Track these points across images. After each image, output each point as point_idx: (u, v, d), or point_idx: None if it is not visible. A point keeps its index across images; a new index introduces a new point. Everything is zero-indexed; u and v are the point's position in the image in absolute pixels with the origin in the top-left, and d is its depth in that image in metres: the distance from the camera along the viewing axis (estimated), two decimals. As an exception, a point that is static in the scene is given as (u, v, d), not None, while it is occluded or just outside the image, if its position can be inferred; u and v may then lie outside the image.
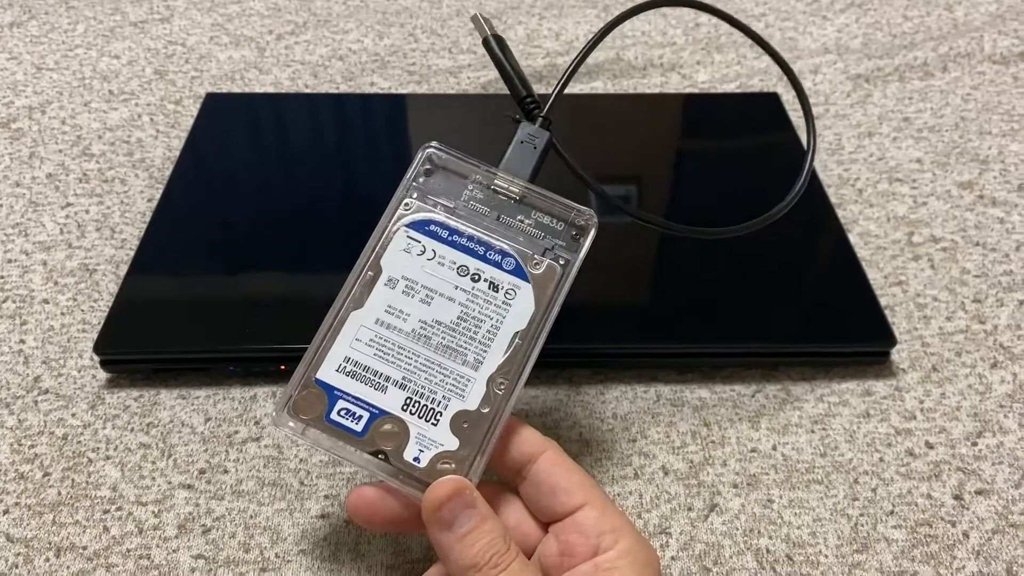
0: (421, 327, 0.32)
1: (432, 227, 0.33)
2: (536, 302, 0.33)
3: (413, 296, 0.33)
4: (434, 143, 0.35)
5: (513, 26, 0.71)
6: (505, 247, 0.33)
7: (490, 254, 0.33)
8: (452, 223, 0.34)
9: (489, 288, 0.33)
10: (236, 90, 0.64)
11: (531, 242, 0.33)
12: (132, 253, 0.48)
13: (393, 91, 0.64)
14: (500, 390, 0.32)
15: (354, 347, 0.32)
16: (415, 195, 0.34)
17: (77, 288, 0.47)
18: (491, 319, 0.32)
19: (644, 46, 0.69)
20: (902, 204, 0.54)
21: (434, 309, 0.32)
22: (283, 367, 0.43)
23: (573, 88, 0.64)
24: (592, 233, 0.34)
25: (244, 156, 0.54)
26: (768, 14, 0.73)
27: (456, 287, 0.33)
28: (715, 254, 0.47)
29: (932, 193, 0.55)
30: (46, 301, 0.46)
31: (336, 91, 0.64)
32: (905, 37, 0.70)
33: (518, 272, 0.33)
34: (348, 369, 0.32)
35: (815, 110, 0.62)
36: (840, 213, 0.52)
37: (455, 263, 0.33)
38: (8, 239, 0.50)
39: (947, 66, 0.66)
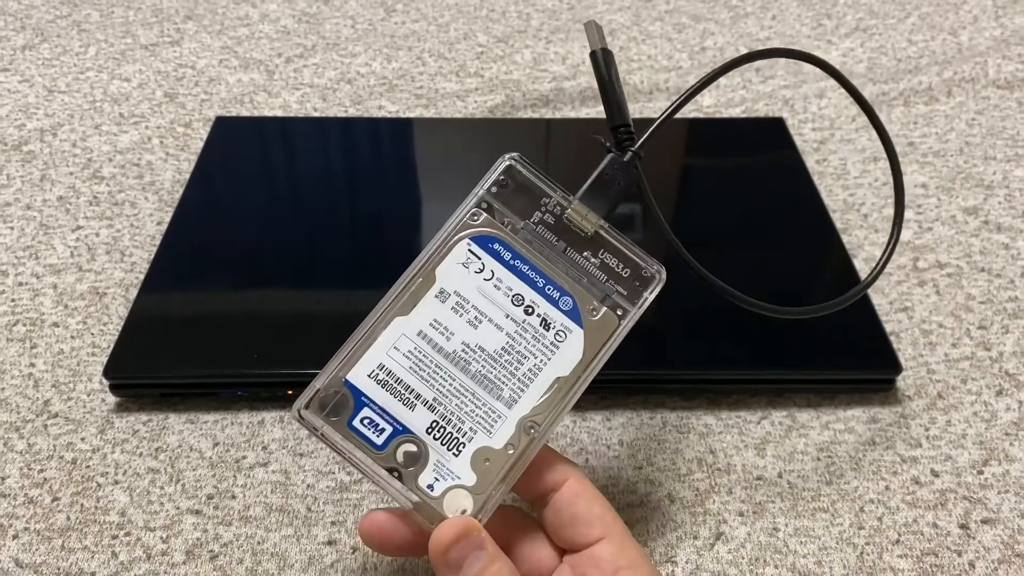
0: (463, 350, 0.31)
1: (496, 246, 0.32)
2: (585, 351, 0.31)
3: (462, 315, 0.31)
4: (515, 154, 0.32)
5: (520, 50, 0.72)
6: (565, 285, 0.32)
7: (549, 289, 0.32)
8: (517, 246, 0.32)
9: (540, 324, 0.31)
10: (245, 113, 0.64)
11: (592, 284, 0.32)
12: (141, 276, 0.48)
13: (401, 114, 0.64)
14: (529, 434, 0.31)
15: (391, 355, 0.31)
16: (484, 206, 0.32)
17: (87, 311, 0.47)
18: (535, 358, 0.31)
19: (650, 70, 0.69)
20: (907, 229, 0.54)
21: (480, 334, 0.31)
22: (290, 392, 0.43)
23: (578, 113, 0.65)
24: (657, 288, 0.32)
25: (253, 180, 0.55)
26: (773, 38, 0.74)
27: (507, 316, 0.31)
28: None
29: (937, 218, 0.55)
30: (56, 324, 0.47)
31: (345, 114, 0.64)
32: (910, 62, 0.70)
33: (573, 315, 0.32)
34: (380, 377, 0.31)
35: (820, 135, 0.62)
36: (845, 239, 0.52)
37: (511, 290, 0.31)
38: (19, 262, 0.51)
39: (952, 91, 0.67)
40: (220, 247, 0.49)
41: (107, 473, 0.40)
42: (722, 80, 0.68)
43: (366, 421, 0.30)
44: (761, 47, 0.71)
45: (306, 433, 0.31)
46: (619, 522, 0.31)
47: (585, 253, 0.32)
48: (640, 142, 0.34)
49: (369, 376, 0.31)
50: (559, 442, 0.42)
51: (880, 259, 0.38)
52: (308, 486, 0.39)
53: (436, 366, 0.31)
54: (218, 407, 0.43)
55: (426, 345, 0.31)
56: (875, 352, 0.44)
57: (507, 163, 0.32)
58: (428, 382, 0.31)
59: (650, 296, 0.32)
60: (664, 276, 0.32)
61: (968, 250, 0.52)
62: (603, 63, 0.36)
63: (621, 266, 0.32)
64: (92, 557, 0.36)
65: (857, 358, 0.44)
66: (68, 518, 0.38)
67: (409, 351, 0.31)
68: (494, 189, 0.32)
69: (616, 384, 0.44)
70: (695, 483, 0.40)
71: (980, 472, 0.41)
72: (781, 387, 0.44)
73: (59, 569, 0.36)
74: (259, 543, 0.37)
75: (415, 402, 0.31)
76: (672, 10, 0.78)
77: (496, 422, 0.31)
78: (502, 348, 0.31)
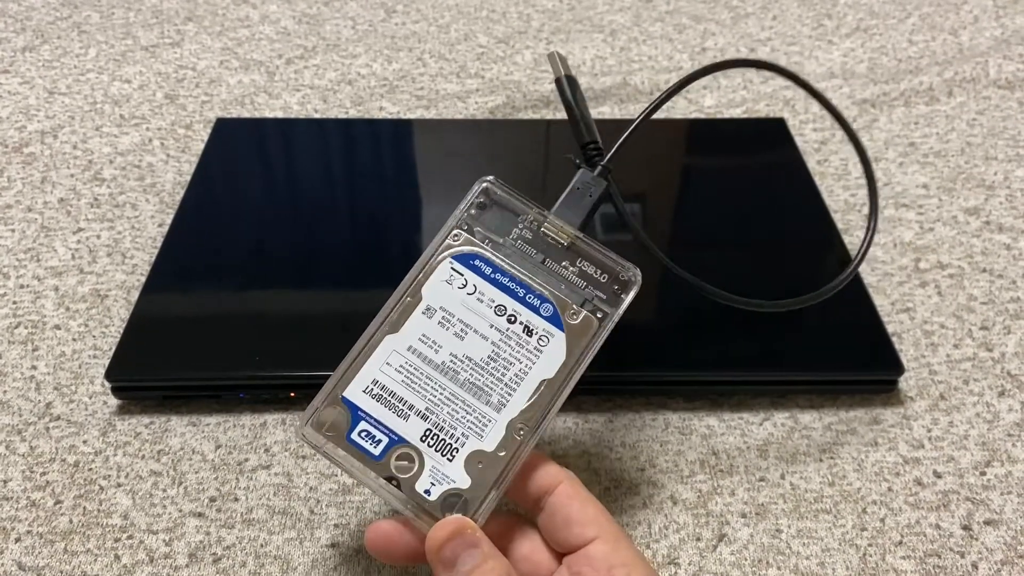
0: (451, 360, 0.33)
1: (477, 262, 0.34)
2: (568, 352, 0.33)
3: (448, 328, 0.33)
4: (491, 177, 0.35)
5: (520, 51, 0.72)
6: (545, 293, 0.33)
7: (529, 297, 0.33)
8: (497, 261, 0.34)
9: (523, 331, 0.33)
10: (246, 114, 0.64)
11: (572, 291, 0.34)
12: (143, 278, 0.48)
13: (401, 116, 0.64)
14: (519, 436, 0.32)
15: (383, 371, 0.32)
16: (465, 227, 0.34)
17: (88, 314, 0.47)
18: (520, 363, 0.33)
19: (651, 71, 0.69)
20: (909, 230, 0.54)
21: (466, 344, 0.33)
22: (292, 394, 0.43)
23: (580, 113, 0.65)
24: (634, 290, 0.34)
25: (254, 181, 0.55)
26: (774, 39, 0.74)
27: (491, 326, 0.33)
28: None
29: (939, 219, 0.55)
30: (58, 327, 0.47)
31: (345, 116, 0.64)
32: (910, 62, 0.70)
33: (554, 320, 0.33)
34: (375, 392, 0.32)
35: (821, 135, 0.62)
36: (847, 239, 0.52)
37: (493, 301, 0.33)
38: (20, 264, 0.51)
39: (952, 91, 0.67)
40: (221, 249, 0.49)
41: (109, 476, 0.40)
42: (722, 80, 0.68)
43: (363, 434, 0.32)
44: (762, 48, 0.72)
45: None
46: (614, 524, 0.32)
47: (564, 263, 0.34)
48: (608, 157, 0.37)
49: (364, 391, 0.32)
50: (562, 444, 0.42)
51: (856, 255, 0.40)
52: (311, 489, 0.39)
53: (427, 377, 0.32)
54: (220, 409, 0.43)
55: (416, 359, 0.33)
56: (877, 353, 0.44)
57: (484, 185, 0.35)
58: (420, 393, 0.32)
59: (628, 297, 0.34)
60: (640, 278, 0.34)
61: (970, 251, 0.52)
62: (568, 88, 0.40)
63: (599, 272, 0.34)
64: (95, 560, 0.36)
65: (859, 359, 0.44)
66: (71, 521, 0.38)
67: (401, 366, 0.33)
68: (473, 211, 0.34)
69: (618, 385, 0.44)
70: (697, 484, 0.40)
71: (983, 473, 0.41)
72: (783, 388, 0.44)
73: (62, 572, 0.36)
74: (262, 546, 0.37)
75: (408, 412, 0.32)
76: (672, 11, 0.78)
77: (487, 426, 0.32)
78: (488, 356, 0.33)
